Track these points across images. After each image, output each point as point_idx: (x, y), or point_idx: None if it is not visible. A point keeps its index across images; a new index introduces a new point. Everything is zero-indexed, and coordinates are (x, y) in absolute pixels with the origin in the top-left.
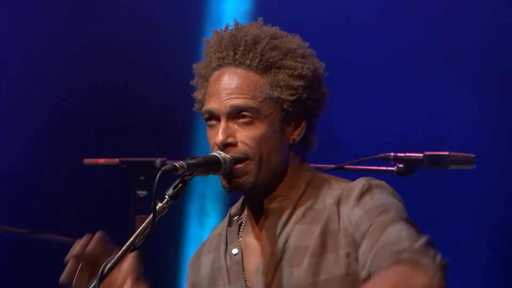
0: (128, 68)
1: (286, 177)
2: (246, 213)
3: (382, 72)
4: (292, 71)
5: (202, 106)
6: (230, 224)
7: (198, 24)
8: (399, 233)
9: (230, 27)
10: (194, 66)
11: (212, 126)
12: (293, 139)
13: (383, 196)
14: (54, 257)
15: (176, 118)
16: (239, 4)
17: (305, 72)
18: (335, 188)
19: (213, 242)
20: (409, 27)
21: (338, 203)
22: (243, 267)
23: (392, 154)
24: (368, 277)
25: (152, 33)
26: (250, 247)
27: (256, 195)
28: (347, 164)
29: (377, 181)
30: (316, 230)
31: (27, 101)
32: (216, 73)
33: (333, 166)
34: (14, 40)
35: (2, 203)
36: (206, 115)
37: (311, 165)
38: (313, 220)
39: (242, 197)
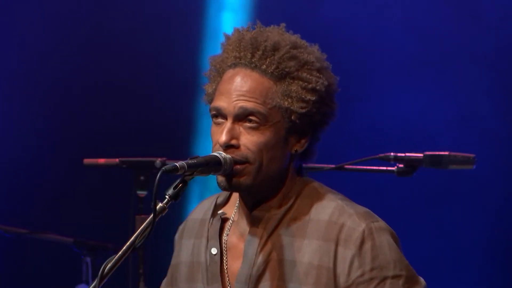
0: (128, 68)
1: (282, 186)
2: (234, 211)
3: (382, 71)
4: (306, 84)
5: (210, 100)
6: (213, 215)
7: (198, 24)
8: None
9: (252, 28)
10: (209, 58)
11: (217, 123)
12: (296, 150)
13: (383, 248)
14: (54, 257)
15: (176, 118)
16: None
17: (319, 87)
18: (324, 202)
19: (195, 226)
20: (408, 27)
21: (336, 241)
22: (222, 268)
23: (392, 154)
24: None
25: (152, 34)
26: (235, 249)
27: (249, 198)
28: (347, 164)
29: (376, 225)
30: (302, 245)
31: (27, 101)
32: (231, 71)
33: (333, 166)
34: (14, 40)
35: (2, 203)
36: (213, 112)
37: (311, 165)
38: (298, 231)
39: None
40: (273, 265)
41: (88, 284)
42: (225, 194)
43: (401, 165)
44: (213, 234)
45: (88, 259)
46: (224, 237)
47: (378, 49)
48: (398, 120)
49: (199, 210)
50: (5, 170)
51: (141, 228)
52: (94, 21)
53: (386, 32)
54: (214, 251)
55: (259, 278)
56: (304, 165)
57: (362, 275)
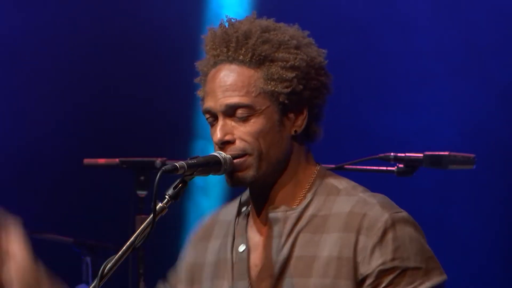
0: (128, 68)
1: (289, 170)
2: (250, 205)
3: (382, 72)
4: (284, 63)
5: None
6: (238, 213)
7: (198, 24)
8: None
9: (224, 23)
10: (197, 63)
11: (212, 124)
12: (295, 131)
13: (405, 239)
14: (54, 257)
15: (176, 118)
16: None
17: (298, 63)
18: (344, 196)
19: (224, 227)
20: (407, 28)
21: (358, 231)
22: (248, 265)
23: (392, 154)
24: None
25: (152, 34)
26: (254, 245)
27: (259, 189)
28: (347, 164)
29: (400, 215)
30: (321, 239)
31: (27, 101)
32: (213, 70)
33: (333, 166)
34: (13, 40)
35: (2, 203)
36: (205, 114)
37: None
38: (317, 228)
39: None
40: (293, 262)
41: (88, 284)
42: (247, 192)
43: (401, 165)
44: (241, 232)
45: (88, 259)
46: (248, 234)
47: (379, 48)
48: (398, 120)
49: (227, 212)
50: (5, 170)
51: (141, 228)
52: (94, 21)
53: (387, 32)
54: (241, 248)
55: (280, 276)
56: None
57: (383, 263)
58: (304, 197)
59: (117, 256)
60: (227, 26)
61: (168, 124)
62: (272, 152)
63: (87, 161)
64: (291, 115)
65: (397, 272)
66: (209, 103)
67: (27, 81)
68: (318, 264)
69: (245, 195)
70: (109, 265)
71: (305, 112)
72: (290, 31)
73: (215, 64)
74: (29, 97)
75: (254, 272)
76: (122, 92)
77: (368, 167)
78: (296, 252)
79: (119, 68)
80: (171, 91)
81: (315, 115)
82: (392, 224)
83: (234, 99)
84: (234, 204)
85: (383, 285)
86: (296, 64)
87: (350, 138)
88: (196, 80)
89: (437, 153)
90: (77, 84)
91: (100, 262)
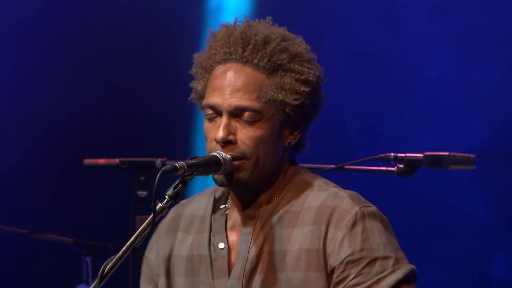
0: (128, 69)
1: (277, 178)
2: (228, 203)
3: (382, 72)
4: (298, 75)
5: (200, 97)
6: (214, 210)
7: (198, 24)
8: None
9: (238, 23)
10: (195, 56)
11: (211, 119)
12: (288, 142)
13: (373, 231)
14: (54, 257)
15: (176, 118)
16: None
17: (311, 78)
18: (316, 191)
19: (195, 223)
20: (407, 27)
21: (328, 222)
22: (229, 263)
23: (392, 154)
24: None
25: (152, 34)
26: (232, 242)
27: (244, 193)
28: (347, 164)
29: (369, 210)
30: (292, 234)
31: (27, 101)
32: (221, 67)
33: (333, 166)
34: (13, 41)
35: (2, 203)
36: (207, 109)
37: (311, 165)
38: (289, 223)
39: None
40: (265, 258)
41: (88, 284)
42: (222, 189)
43: (401, 165)
44: (219, 229)
45: (88, 259)
46: (228, 232)
47: (379, 48)
48: (398, 120)
49: (195, 206)
50: (5, 170)
51: (141, 228)
52: (94, 22)
53: (387, 32)
54: (221, 245)
55: (252, 272)
56: (305, 165)
57: (352, 254)
58: (279, 195)
59: (117, 256)
60: (244, 27)
61: (168, 124)
62: (267, 160)
63: (87, 161)
64: (289, 127)
65: (366, 262)
66: (215, 100)
67: (27, 81)
68: (289, 258)
69: (220, 191)
70: (109, 265)
71: (301, 126)
72: (302, 44)
73: (224, 62)
74: (29, 97)
75: (232, 269)
76: (122, 92)
77: (368, 167)
78: (268, 247)
79: (119, 68)
80: (171, 91)
81: (306, 129)
82: (362, 217)
83: (245, 102)
84: (205, 199)
85: (352, 276)
86: (309, 78)
87: (350, 138)
88: (192, 71)
89: (437, 153)
90: (77, 84)
91: (100, 262)
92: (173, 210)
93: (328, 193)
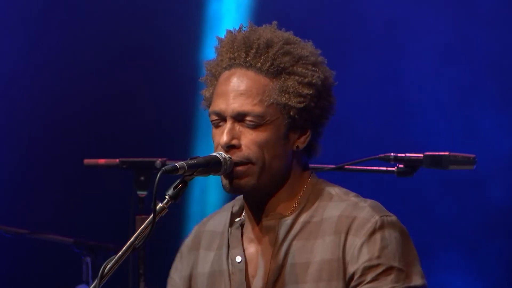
0: (128, 69)
1: (287, 183)
2: (244, 215)
3: (382, 71)
4: (302, 78)
5: (209, 104)
6: (231, 223)
7: (198, 24)
8: None
9: (244, 28)
10: (205, 63)
11: (217, 126)
12: (297, 147)
13: (392, 241)
14: (54, 257)
15: (176, 118)
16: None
17: (315, 80)
18: (336, 202)
19: (215, 239)
20: (407, 27)
21: (347, 232)
22: (246, 276)
23: (392, 154)
24: None
25: (152, 34)
26: (250, 255)
27: (255, 199)
28: (347, 164)
29: (389, 219)
30: (314, 245)
31: (27, 101)
32: (226, 73)
33: (333, 166)
34: (13, 41)
35: (2, 203)
36: (213, 116)
37: (311, 165)
38: (310, 234)
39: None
40: (287, 270)
41: (88, 284)
42: (240, 202)
43: (401, 165)
44: (236, 243)
45: (88, 259)
46: (244, 245)
47: (379, 48)
48: (398, 120)
49: (215, 223)
50: (5, 170)
51: (141, 228)
52: (95, 23)
53: (387, 32)
54: (238, 259)
55: (275, 284)
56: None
57: (369, 260)
58: (298, 205)
59: (117, 256)
60: (247, 32)
61: (168, 124)
62: (274, 164)
63: (87, 161)
64: (297, 131)
65: (382, 268)
66: (219, 106)
67: (27, 81)
68: (312, 269)
69: (237, 205)
70: (109, 265)
71: (310, 130)
72: (309, 47)
73: (229, 67)
74: (29, 97)
75: (251, 282)
76: (122, 93)
77: (368, 167)
78: (290, 259)
79: (119, 69)
80: (171, 91)
81: (318, 133)
82: (381, 226)
83: (247, 107)
84: (224, 214)
85: (368, 280)
86: (313, 81)
87: (350, 138)
88: (202, 79)
89: (437, 153)
90: (78, 84)
91: (100, 262)
92: (194, 229)
93: (348, 203)
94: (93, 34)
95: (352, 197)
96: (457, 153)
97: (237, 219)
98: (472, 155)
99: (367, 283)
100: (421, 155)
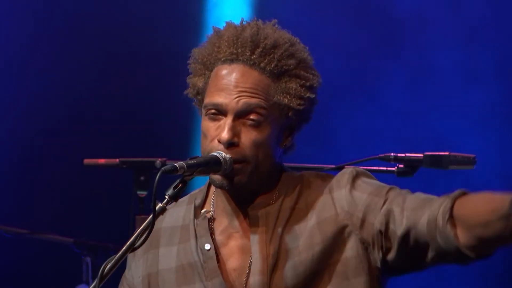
0: (128, 69)
1: (270, 179)
2: (213, 208)
3: (382, 71)
4: (304, 81)
5: (198, 93)
6: (196, 216)
7: (198, 24)
8: (421, 195)
9: (244, 23)
10: (194, 50)
11: (213, 118)
12: (284, 145)
13: (373, 181)
14: (54, 257)
15: (176, 118)
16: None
17: (316, 84)
18: (314, 186)
19: (176, 234)
20: (408, 27)
21: (330, 191)
22: (218, 263)
23: (392, 154)
24: (406, 232)
25: (152, 34)
26: (225, 246)
27: (242, 194)
28: (347, 164)
29: (361, 169)
30: (305, 227)
31: (28, 101)
32: (226, 67)
33: (333, 166)
34: (13, 41)
35: (2, 203)
36: (210, 107)
37: (311, 165)
38: (299, 220)
39: (206, 190)
40: (285, 253)
41: (88, 284)
42: (201, 195)
43: (401, 165)
44: (203, 233)
45: (88, 259)
46: (212, 236)
47: (380, 48)
48: (398, 120)
49: (172, 219)
50: (5, 170)
51: (141, 228)
52: (94, 22)
53: (387, 32)
54: (207, 246)
55: (275, 268)
56: (305, 165)
57: (369, 193)
58: (278, 193)
59: (117, 256)
60: (254, 29)
61: (168, 124)
62: (265, 163)
63: (87, 161)
64: (286, 131)
65: (385, 190)
66: (221, 99)
67: (27, 81)
68: (306, 240)
69: (199, 198)
70: (109, 265)
71: (295, 130)
72: (306, 49)
73: (229, 62)
74: (30, 97)
75: (228, 270)
76: (122, 92)
77: (368, 167)
78: (284, 244)
79: (119, 68)
80: (171, 92)
81: (298, 132)
82: (357, 174)
83: (255, 100)
84: (182, 209)
85: (382, 200)
86: (314, 85)
87: (350, 138)
88: (189, 66)
89: (437, 153)
90: (77, 84)
91: (100, 262)
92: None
93: (322, 179)
94: (93, 34)
95: (328, 177)
96: (457, 153)
97: (202, 211)
98: (472, 155)
99: (384, 202)
100: (421, 155)
